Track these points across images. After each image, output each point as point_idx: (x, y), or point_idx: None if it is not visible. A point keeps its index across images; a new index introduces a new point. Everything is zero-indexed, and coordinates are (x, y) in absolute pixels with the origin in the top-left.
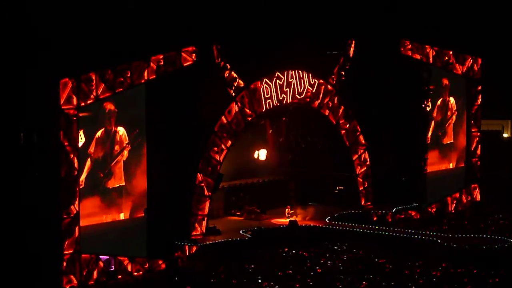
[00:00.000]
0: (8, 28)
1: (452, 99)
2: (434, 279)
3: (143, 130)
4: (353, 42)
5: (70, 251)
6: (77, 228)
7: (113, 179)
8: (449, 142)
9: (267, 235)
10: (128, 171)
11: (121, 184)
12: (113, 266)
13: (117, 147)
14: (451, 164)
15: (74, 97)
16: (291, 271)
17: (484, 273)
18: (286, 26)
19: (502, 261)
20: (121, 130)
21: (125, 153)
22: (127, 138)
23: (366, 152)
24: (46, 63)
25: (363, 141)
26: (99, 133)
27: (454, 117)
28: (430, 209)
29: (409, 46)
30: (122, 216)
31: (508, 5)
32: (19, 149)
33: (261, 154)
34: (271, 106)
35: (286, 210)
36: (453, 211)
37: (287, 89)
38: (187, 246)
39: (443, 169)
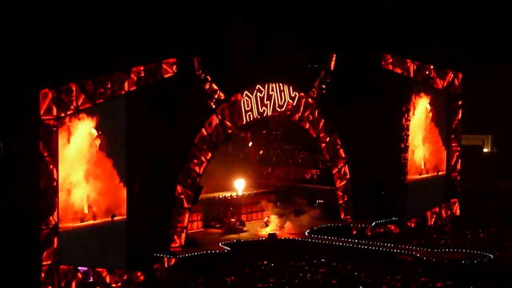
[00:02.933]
0: None
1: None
2: None
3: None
4: (334, 55)
5: (49, 262)
6: (55, 239)
7: None
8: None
9: (246, 248)
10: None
11: None
12: (91, 278)
13: None
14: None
15: (54, 107)
16: (270, 284)
17: (463, 287)
18: (267, 39)
19: (481, 275)
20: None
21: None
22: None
23: (346, 166)
24: (26, 73)
25: (343, 155)
26: None
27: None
28: (409, 223)
29: (390, 60)
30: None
31: (488, 22)
32: None
33: (239, 186)
34: (251, 119)
35: (265, 218)
36: (432, 225)
37: (268, 101)
38: (166, 258)
39: (423, 177)
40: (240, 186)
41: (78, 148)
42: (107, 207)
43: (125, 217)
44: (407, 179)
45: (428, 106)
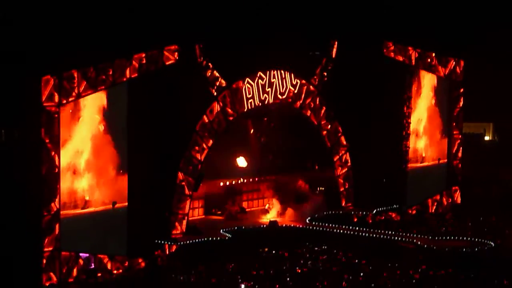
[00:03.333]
0: None
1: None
2: (414, 281)
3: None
4: (336, 43)
5: (50, 249)
6: (57, 226)
7: None
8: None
9: (247, 235)
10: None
11: None
12: (93, 264)
13: None
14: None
15: (56, 94)
16: (271, 271)
17: (464, 275)
18: (269, 27)
19: (482, 263)
20: None
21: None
22: None
23: (347, 153)
24: (28, 60)
25: (345, 142)
26: None
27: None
28: (410, 211)
29: (392, 48)
30: None
31: (490, 9)
32: (0, 146)
33: (240, 161)
34: (253, 106)
35: (267, 205)
36: (433, 213)
37: (269, 89)
38: (167, 245)
39: (423, 165)
40: (242, 163)
41: (81, 134)
42: (108, 194)
43: (126, 204)
44: (408, 167)
45: (431, 93)
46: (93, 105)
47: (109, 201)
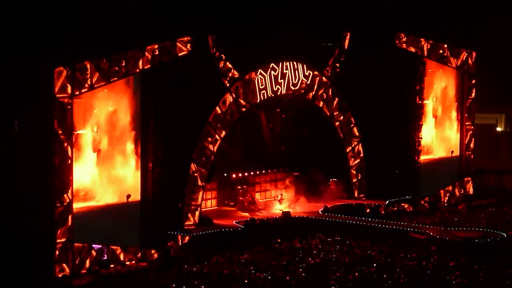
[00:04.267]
0: (4, 17)
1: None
2: (427, 272)
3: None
4: (348, 34)
5: (63, 240)
6: (70, 217)
7: None
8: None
9: (260, 226)
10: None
11: None
12: (105, 255)
13: None
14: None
15: (68, 85)
16: (284, 262)
17: (477, 266)
18: (282, 17)
19: (494, 254)
20: None
21: None
22: None
23: (360, 144)
24: (42, 51)
25: (357, 133)
26: None
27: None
28: (423, 202)
29: (404, 39)
30: None
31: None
32: (13, 137)
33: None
34: (265, 97)
35: (279, 196)
36: (446, 204)
37: (282, 80)
38: (180, 236)
39: (437, 158)
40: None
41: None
42: (121, 186)
43: (139, 195)
44: (420, 158)
45: (443, 84)
46: (106, 96)
47: (122, 193)
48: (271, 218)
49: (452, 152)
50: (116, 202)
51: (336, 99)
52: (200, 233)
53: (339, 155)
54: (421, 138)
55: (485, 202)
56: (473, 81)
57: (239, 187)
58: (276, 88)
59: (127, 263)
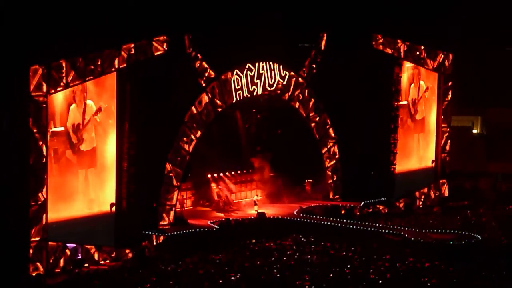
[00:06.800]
0: None
1: (422, 82)
2: (401, 273)
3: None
4: (325, 35)
5: (37, 239)
6: (44, 216)
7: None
8: (421, 117)
9: (235, 227)
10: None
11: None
12: (80, 255)
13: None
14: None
15: (44, 84)
16: (258, 262)
17: (451, 268)
18: (258, 18)
19: (468, 256)
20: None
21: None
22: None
23: (336, 146)
24: (16, 49)
25: (333, 135)
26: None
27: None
28: (398, 204)
29: (381, 40)
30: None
31: (479, 3)
32: None
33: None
34: (241, 98)
35: (255, 197)
36: (421, 206)
37: (258, 80)
38: (154, 236)
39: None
40: None
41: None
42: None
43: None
44: (396, 160)
45: (422, 86)
46: (81, 96)
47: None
48: (246, 219)
49: (433, 161)
50: (101, 212)
51: (312, 100)
52: (175, 233)
53: (314, 156)
54: (397, 139)
55: (461, 205)
56: (450, 83)
57: (214, 187)
58: (252, 88)
59: (102, 262)
